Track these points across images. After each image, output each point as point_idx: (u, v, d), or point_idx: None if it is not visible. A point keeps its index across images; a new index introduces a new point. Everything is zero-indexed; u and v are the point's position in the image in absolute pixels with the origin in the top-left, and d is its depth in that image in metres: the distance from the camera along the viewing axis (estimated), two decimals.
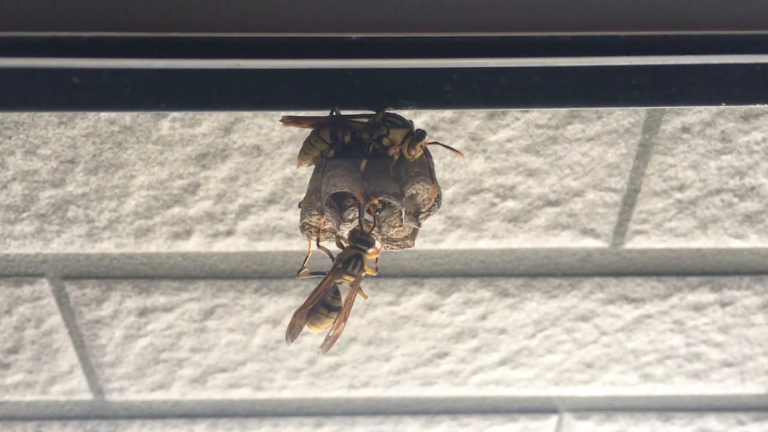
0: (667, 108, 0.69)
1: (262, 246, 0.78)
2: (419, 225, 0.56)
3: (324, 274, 0.57)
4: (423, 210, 0.56)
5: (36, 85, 0.52)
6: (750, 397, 0.96)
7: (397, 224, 0.56)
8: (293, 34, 0.52)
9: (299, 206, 0.57)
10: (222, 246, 0.78)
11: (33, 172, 0.71)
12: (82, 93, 0.53)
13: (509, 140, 0.71)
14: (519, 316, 0.86)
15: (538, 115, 0.70)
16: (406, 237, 0.57)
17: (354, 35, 0.52)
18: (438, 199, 0.55)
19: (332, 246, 0.58)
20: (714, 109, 0.70)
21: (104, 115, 0.67)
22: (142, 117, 0.68)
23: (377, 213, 0.55)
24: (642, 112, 0.69)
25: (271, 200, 0.75)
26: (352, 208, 0.56)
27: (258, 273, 0.82)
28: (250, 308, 0.84)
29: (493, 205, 0.76)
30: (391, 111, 0.56)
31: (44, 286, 0.81)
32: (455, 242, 0.79)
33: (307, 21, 0.52)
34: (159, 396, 0.92)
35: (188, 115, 0.68)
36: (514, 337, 0.88)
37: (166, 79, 0.53)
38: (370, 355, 0.90)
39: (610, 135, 0.71)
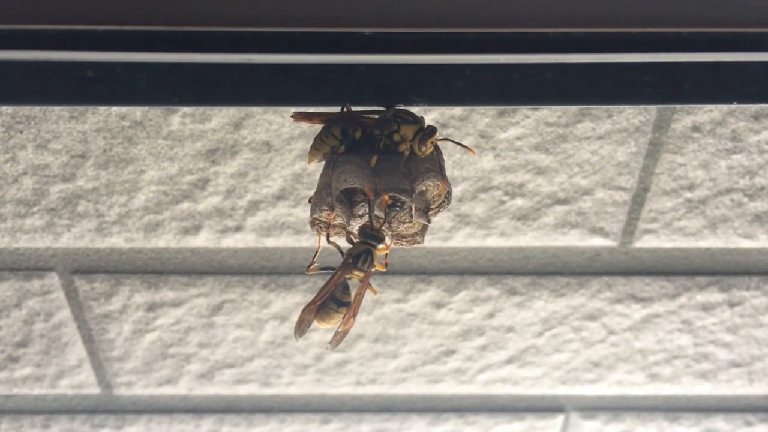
0: (678, 106, 0.69)
1: (271, 242, 0.78)
2: (429, 221, 0.56)
3: (334, 269, 0.57)
4: (433, 206, 0.56)
5: (50, 78, 0.52)
6: (758, 397, 0.96)
7: (406, 220, 0.56)
8: (306, 29, 0.52)
9: (309, 202, 0.57)
10: (231, 242, 0.78)
11: (44, 166, 0.71)
12: (96, 86, 0.53)
13: (519, 138, 0.71)
14: (527, 315, 0.86)
15: (548, 112, 0.69)
16: (416, 233, 0.57)
17: (367, 30, 0.52)
18: (448, 195, 0.55)
19: (342, 242, 0.58)
20: (725, 108, 0.69)
21: (115, 110, 0.68)
22: (153, 112, 0.68)
23: (387, 209, 0.55)
24: (652, 110, 0.69)
25: (280, 196, 0.75)
26: (362, 203, 0.56)
27: (266, 269, 0.82)
28: (258, 304, 0.84)
29: (502, 202, 0.76)
30: (402, 107, 0.56)
31: (53, 280, 0.81)
32: (463, 240, 0.79)
33: (320, 16, 0.52)
34: (166, 391, 0.93)
35: (198, 110, 0.68)
36: (522, 335, 0.88)
37: (180, 73, 0.53)
38: (377, 352, 0.90)
39: (620, 133, 0.71)
